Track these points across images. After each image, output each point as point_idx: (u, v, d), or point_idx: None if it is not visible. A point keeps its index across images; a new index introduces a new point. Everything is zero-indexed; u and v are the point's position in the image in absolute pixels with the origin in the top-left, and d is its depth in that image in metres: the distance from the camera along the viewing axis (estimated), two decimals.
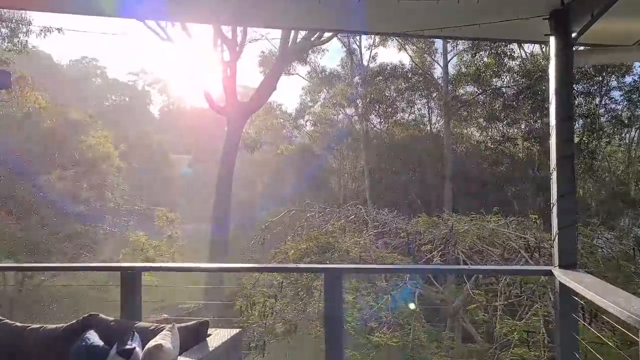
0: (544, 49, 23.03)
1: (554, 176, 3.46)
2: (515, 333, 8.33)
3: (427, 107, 27.66)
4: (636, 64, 20.65)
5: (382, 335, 9.57)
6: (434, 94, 26.65)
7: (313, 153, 31.06)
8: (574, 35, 3.41)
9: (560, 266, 3.36)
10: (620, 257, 11.18)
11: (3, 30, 15.60)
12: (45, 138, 21.10)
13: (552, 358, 7.79)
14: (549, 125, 3.59)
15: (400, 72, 26.15)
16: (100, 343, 2.99)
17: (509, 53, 24.06)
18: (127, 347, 2.85)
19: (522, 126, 24.64)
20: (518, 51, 24.43)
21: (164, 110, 60.70)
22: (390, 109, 26.63)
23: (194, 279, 21.84)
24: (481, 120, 25.35)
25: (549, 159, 3.59)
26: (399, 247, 11.86)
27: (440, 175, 24.36)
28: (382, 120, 27.64)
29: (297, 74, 29.32)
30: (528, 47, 24.73)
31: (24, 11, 16.45)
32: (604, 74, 21.74)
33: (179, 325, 3.11)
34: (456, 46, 25.51)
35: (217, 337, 3.24)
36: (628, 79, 21.72)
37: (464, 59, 25.18)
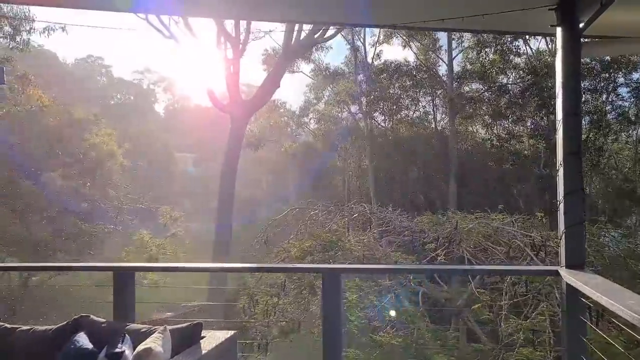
0: (550, 46, 22.83)
1: (560, 173, 3.34)
2: (520, 332, 8.22)
3: (431, 104, 27.49)
4: None
5: (386, 335, 9.49)
6: (439, 92, 26.47)
7: (317, 151, 30.93)
8: (581, 25, 3.27)
9: (567, 266, 3.24)
10: (627, 256, 11.06)
11: (5, 28, 15.54)
12: (49, 136, 21.09)
13: (558, 358, 7.66)
14: (555, 121, 3.46)
15: (404, 69, 25.97)
16: (90, 346, 2.90)
17: (514, 50, 23.87)
18: (117, 350, 2.76)
19: (528, 123, 24.45)
20: (524, 48, 24.25)
21: (169, 108, 60.67)
22: (394, 107, 26.46)
23: (197, 278, 21.83)
24: (486, 117, 25.16)
25: (555, 156, 3.46)
26: (403, 245, 11.77)
27: (445, 173, 24.19)
28: (386, 117, 27.47)
29: (301, 71, 29.21)
30: (534, 44, 24.54)
31: (27, 10, 16.46)
32: (610, 71, 21.53)
33: (171, 327, 3.02)
34: (461, 43, 25.35)
35: (211, 339, 3.14)
36: (635, 76, 21.51)
37: (469, 56, 25.01)
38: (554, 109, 3.49)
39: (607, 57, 20.60)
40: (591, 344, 3.24)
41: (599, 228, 12.47)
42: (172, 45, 19.78)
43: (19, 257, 21.06)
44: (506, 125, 24.85)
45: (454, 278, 12.15)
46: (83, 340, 2.92)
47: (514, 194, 23.50)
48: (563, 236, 3.27)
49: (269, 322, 10.15)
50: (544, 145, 22.45)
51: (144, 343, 2.73)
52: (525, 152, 24.53)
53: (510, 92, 24.31)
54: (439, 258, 10.10)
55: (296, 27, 20.28)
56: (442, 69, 26.30)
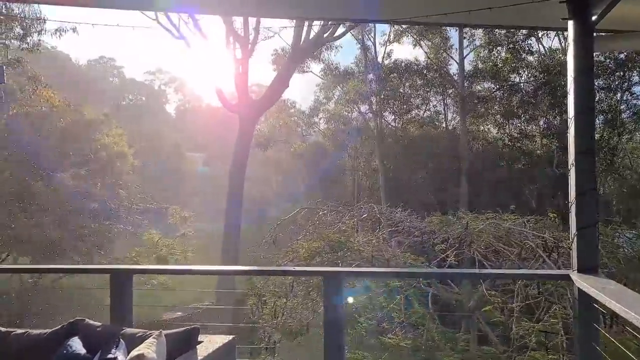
0: (563, 44, 22.53)
1: (572, 173, 3.19)
2: (532, 335, 8.04)
3: (442, 103, 27.28)
4: None
5: (395, 337, 9.35)
6: (450, 91, 26.24)
7: (327, 151, 30.84)
8: (594, 18, 3.12)
9: (579, 270, 3.09)
10: None
11: (16, 29, 15.63)
12: (60, 137, 21.20)
13: None
14: (567, 118, 3.32)
15: (415, 68, 25.80)
16: (83, 351, 2.82)
17: (527, 48, 23.61)
18: (110, 356, 2.68)
19: (541, 123, 24.17)
20: (536, 46, 23.98)
21: (180, 109, 61.02)
22: (405, 106, 26.29)
23: (207, 278, 21.84)
24: (498, 116, 24.89)
25: (568, 156, 3.31)
26: (413, 246, 11.61)
27: (456, 173, 23.95)
28: (396, 117, 27.30)
29: (311, 71, 29.11)
30: (547, 42, 24.25)
31: (38, 11, 16.53)
32: (625, 69, 21.20)
33: (167, 332, 2.92)
34: (473, 41, 25.11)
35: (209, 344, 3.05)
36: None
37: (481, 54, 24.75)
38: (567, 107, 3.34)
39: (622, 55, 20.28)
40: (605, 348, 3.10)
41: (613, 229, 12.22)
42: (182, 45, 19.71)
43: (30, 256, 21.21)
44: (518, 124, 24.58)
45: (465, 279, 11.97)
46: (76, 345, 2.84)
47: (526, 194, 23.22)
48: (575, 239, 3.13)
49: (277, 323, 10.06)
50: (557, 144, 22.18)
51: (137, 349, 2.64)
52: (538, 151, 24.23)
53: (523, 90, 24.03)
54: (448, 259, 9.93)
55: (305, 26, 20.20)
56: (453, 68, 26.10)
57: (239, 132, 19.73)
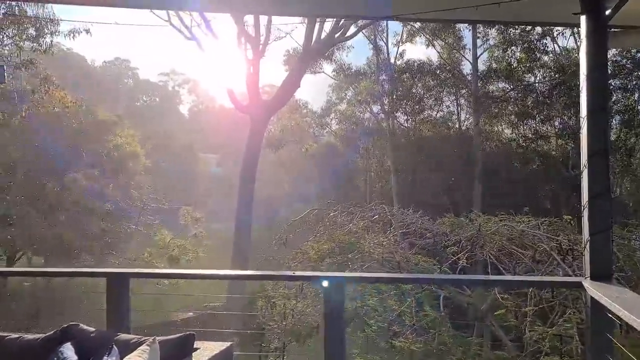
0: (578, 43, 22.17)
1: (585, 174, 3.03)
2: (546, 340, 7.85)
3: (455, 104, 27.03)
4: None
5: (406, 340, 9.20)
6: (463, 91, 25.97)
7: (338, 151, 30.71)
8: (607, 12, 2.97)
9: (592, 277, 2.93)
10: None
11: (29, 31, 15.76)
12: (73, 137, 21.37)
13: None
14: (579, 117, 3.17)
15: (428, 68, 25.58)
16: (74, 358, 2.75)
17: (542, 48, 23.26)
18: None
19: (556, 123, 23.81)
20: (551, 45, 23.63)
21: (194, 109, 61.33)
22: (417, 107, 26.07)
23: (216, 279, 21.81)
24: (512, 117, 24.56)
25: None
26: (426, 247, 11.44)
27: (469, 173, 23.66)
28: (409, 117, 27.10)
29: (323, 72, 29.01)
30: (562, 42, 23.91)
31: (52, 12, 16.64)
32: None
33: (161, 338, 2.84)
34: (486, 41, 24.80)
35: (204, 351, 2.96)
36: None
37: (495, 54, 24.43)
38: (580, 105, 3.19)
39: (639, 54, 19.89)
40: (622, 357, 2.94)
41: (630, 231, 11.94)
42: (194, 47, 19.70)
43: (43, 256, 21.41)
44: (533, 125, 24.24)
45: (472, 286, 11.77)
46: (68, 352, 2.77)
47: (540, 195, 22.87)
48: (587, 244, 2.97)
49: (286, 326, 9.96)
50: (573, 145, 21.82)
51: (127, 357, 2.56)
52: (553, 152, 23.88)
53: (537, 90, 23.69)
54: (460, 262, 9.75)
55: (316, 26, 20.08)
56: (467, 68, 25.81)
57: (250, 133, 19.64)
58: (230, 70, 21.58)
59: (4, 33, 15.44)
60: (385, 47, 27.54)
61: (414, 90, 25.88)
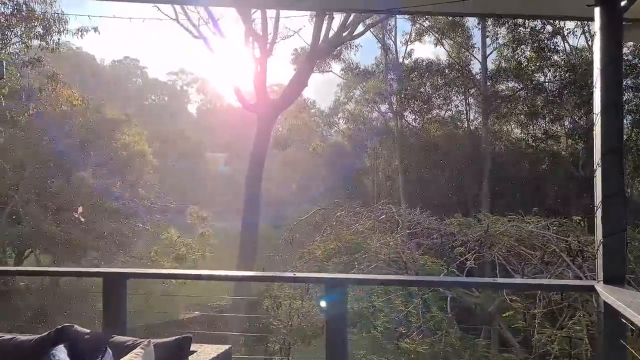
0: (590, 42, 21.90)
1: (598, 174, 2.91)
2: (555, 343, 7.71)
3: (464, 103, 26.79)
4: None
5: (412, 342, 9.08)
6: (472, 90, 25.73)
7: (346, 151, 30.59)
8: (623, 4, 2.85)
9: (605, 281, 2.81)
10: None
11: (37, 29, 15.79)
12: (80, 136, 21.43)
13: None
14: (592, 115, 3.04)
15: (436, 67, 25.37)
16: None
17: (552, 47, 22.99)
18: None
19: (566, 123, 23.54)
20: (562, 44, 23.35)
21: (202, 108, 61.46)
22: (425, 106, 25.86)
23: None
24: (522, 116, 24.30)
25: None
26: (433, 248, 11.32)
27: (478, 173, 23.45)
28: (417, 117, 26.89)
29: (331, 71, 28.90)
30: (572, 40, 23.62)
31: (60, 10, 16.66)
32: None
33: (156, 341, 2.75)
34: (496, 40, 24.57)
35: (201, 355, 2.87)
36: None
37: (504, 53, 24.18)
38: (593, 102, 3.06)
39: None
40: None
41: None
42: (202, 46, 19.70)
43: (51, 254, 21.48)
44: (542, 124, 23.97)
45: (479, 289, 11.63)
46: (61, 354, 2.69)
47: (549, 196, 22.62)
48: (600, 246, 2.84)
49: (291, 326, 9.88)
50: (583, 145, 21.56)
51: None
52: (563, 152, 23.62)
53: (548, 90, 23.43)
54: (468, 263, 9.61)
55: (324, 25, 20.00)
56: (476, 67, 25.58)
57: (257, 132, 19.61)
58: (237, 69, 21.56)
59: (12, 31, 15.47)
60: (394, 46, 27.39)
61: (422, 90, 25.68)
